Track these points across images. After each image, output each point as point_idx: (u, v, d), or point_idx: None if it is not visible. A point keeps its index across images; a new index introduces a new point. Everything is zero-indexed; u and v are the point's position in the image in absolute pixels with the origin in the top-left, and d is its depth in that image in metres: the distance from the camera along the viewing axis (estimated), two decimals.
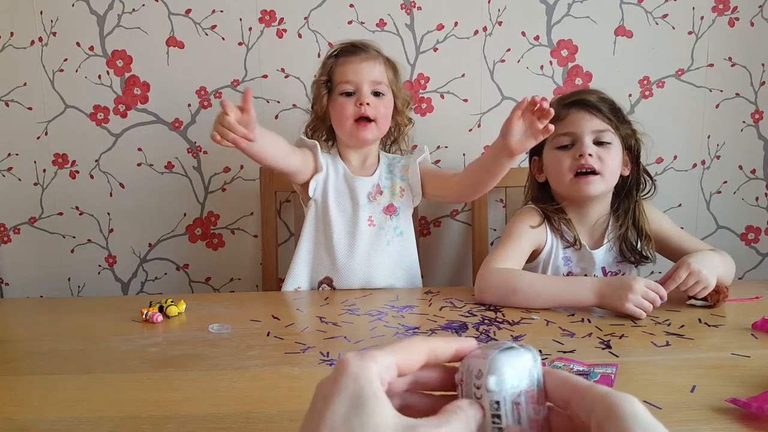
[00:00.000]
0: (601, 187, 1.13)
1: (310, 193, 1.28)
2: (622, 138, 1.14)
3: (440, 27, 1.51)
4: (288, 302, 1.16)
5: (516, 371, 0.37)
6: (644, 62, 1.53)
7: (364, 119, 1.24)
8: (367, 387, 0.35)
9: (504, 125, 1.05)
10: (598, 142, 1.12)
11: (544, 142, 1.18)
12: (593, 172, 1.12)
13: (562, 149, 1.15)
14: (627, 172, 1.18)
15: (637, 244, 1.17)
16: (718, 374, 0.74)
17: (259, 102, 1.54)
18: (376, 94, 1.25)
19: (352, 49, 1.26)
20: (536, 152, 1.23)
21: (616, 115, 1.14)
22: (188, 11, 1.50)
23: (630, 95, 1.53)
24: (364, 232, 1.27)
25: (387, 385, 0.36)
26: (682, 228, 1.24)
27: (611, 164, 1.12)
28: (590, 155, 1.11)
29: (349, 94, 1.24)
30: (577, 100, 1.14)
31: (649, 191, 1.21)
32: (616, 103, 1.17)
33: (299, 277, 1.30)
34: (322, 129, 1.33)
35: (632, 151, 1.17)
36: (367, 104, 1.22)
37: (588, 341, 0.87)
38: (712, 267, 1.01)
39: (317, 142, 1.29)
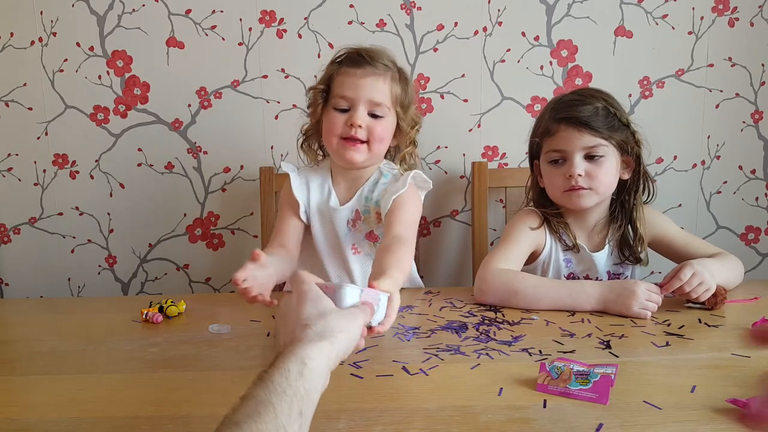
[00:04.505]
0: (594, 200, 1.13)
1: (303, 220, 1.21)
2: (618, 145, 1.12)
3: (440, 27, 1.51)
4: None
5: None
6: (644, 62, 1.53)
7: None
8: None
9: None
10: (590, 156, 1.11)
11: (542, 149, 1.18)
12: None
13: (553, 164, 1.15)
14: (627, 176, 1.16)
15: (632, 245, 1.17)
16: (718, 374, 0.74)
17: (259, 102, 1.54)
18: (374, 115, 1.11)
19: (356, 60, 1.11)
20: (538, 156, 1.21)
21: (610, 125, 1.10)
22: (188, 11, 1.50)
23: (630, 95, 1.53)
24: (352, 261, 1.21)
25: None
26: (683, 228, 1.24)
27: (603, 179, 1.11)
28: (580, 175, 1.10)
29: (343, 110, 1.12)
30: (567, 117, 1.11)
31: (648, 195, 1.19)
32: (612, 107, 1.12)
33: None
34: (316, 137, 1.22)
35: (631, 154, 1.14)
36: (359, 126, 1.09)
37: (588, 341, 0.87)
38: (713, 272, 1.01)
39: (291, 174, 1.20)
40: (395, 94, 1.14)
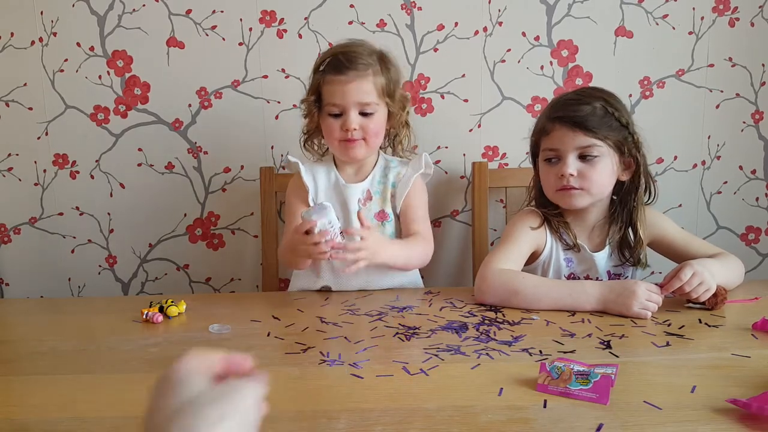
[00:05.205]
0: (586, 200, 1.13)
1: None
2: (616, 146, 1.10)
3: (440, 27, 1.51)
4: (288, 302, 1.16)
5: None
6: (644, 62, 1.52)
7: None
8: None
9: None
10: (584, 156, 1.10)
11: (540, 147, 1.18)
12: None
13: (548, 162, 1.15)
14: (626, 177, 1.14)
15: (632, 248, 1.16)
16: (718, 374, 0.74)
17: (259, 102, 1.54)
18: (365, 113, 1.20)
19: (338, 66, 1.18)
20: (539, 154, 1.21)
21: (607, 125, 1.09)
22: (188, 11, 1.50)
23: (630, 95, 1.53)
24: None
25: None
26: (683, 228, 1.24)
27: (596, 179, 1.10)
28: (572, 175, 1.09)
29: (337, 115, 1.20)
30: (562, 116, 1.11)
31: (650, 197, 1.18)
32: (611, 107, 1.10)
33: (297, 281, 1.31)
34: (317, 136, 1.32)
35: (631, 156, 1.12)
36: (354, 129, 1.19)
37: (588, 341, 0.87)
38: (713, 272, 1.01)
39: (299, 162, 1.27)
40: (381, 87, 1.21)
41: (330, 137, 1.23)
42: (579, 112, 1.10)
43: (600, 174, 1.10)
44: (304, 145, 1.34)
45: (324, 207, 1.06)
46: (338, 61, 1.19)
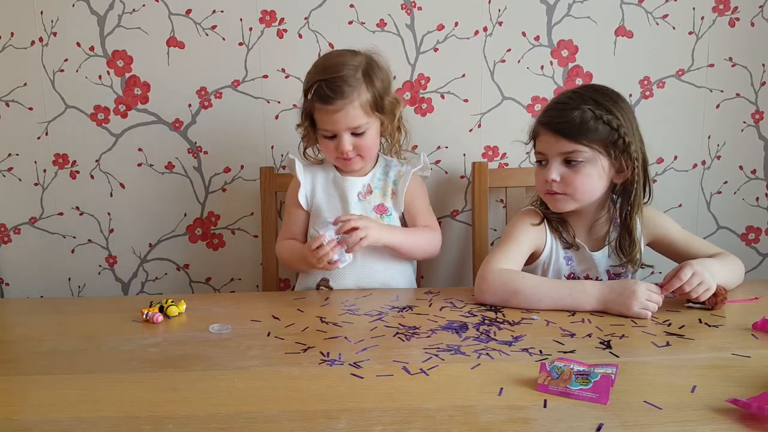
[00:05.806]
0: (571, 205, 1.12)
1: (304, 206, 1.33)
2: (604, 149, 1.07)
3: (440, 27, 1.51)
4: (288, 302, 1.16)
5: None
6: (644, 62, 1.52)
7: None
8: None
9: None
10: (569, 161, 1.09)
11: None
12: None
13: (539, 164, 1.15)
14: (620, 180, 1.12)
15: (628, 249, 1.15)
16: (718, 374, 0.74)
17: (259, 102, 1.54)
18: (357, 133, 1.23)
19: (324, 97, 1.19)
20: None
21: (593, 130, 1.06)
22: (188, 11, 1.50)
23: (630, 95, 1.53)
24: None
25: None
26: (683, 228, 1.24)
27: (580, 185, 1.09)
28: (555, 180, 1.09)
29: (331, 137, 1.24)
30: (546, 122, 1.11)
31: (643, 198, 1.15)
32: (599, 110, 1.06)
33: (303, 279, 1.32)
34: (315, 144, 1.35)
35: (617, 159, 1.09)
36: (348, 150, 1.23)
37: (588, 341, 0.87)
38: (713, 272, 1.01)
39: (296, 158, 1.33)
40: (369, 105, 1.22)
41: (327, 155, 1.30)
42: (562, 118, 1.08)
43: (584, 179, 1.09)
44: (303, 153, 1.37)
45: (329, 223, 1.19)
46: (323, 91, 1.19)
